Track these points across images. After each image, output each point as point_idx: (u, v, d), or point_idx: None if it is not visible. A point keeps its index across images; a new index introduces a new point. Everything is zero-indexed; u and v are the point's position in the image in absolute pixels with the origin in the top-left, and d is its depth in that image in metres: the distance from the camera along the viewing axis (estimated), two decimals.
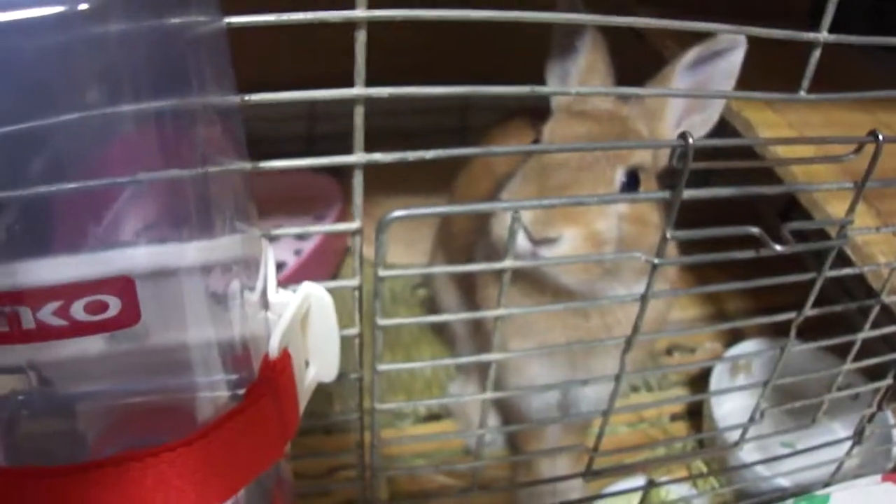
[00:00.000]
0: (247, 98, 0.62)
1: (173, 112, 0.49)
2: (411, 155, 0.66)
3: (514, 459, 1.50)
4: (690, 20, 0.69)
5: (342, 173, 2.01)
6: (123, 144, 0.47)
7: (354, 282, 0.76)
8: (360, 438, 0.92)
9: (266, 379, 0.62)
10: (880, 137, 0.82)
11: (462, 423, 1.55)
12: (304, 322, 0.70)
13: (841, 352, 1.13)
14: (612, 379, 0.96)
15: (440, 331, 1.74)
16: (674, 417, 1.71)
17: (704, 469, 1.56)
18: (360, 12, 0.59)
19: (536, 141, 1.14)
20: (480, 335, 1.38)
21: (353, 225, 0.71)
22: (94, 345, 0.52)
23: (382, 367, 0.83)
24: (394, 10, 0.60)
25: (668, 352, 1.87)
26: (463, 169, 1.57)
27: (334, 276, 1.90)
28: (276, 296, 0.67)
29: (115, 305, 0.50)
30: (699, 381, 1.76)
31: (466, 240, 1.34)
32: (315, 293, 0.69)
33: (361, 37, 0.60)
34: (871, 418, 1.26)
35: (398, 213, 0.70)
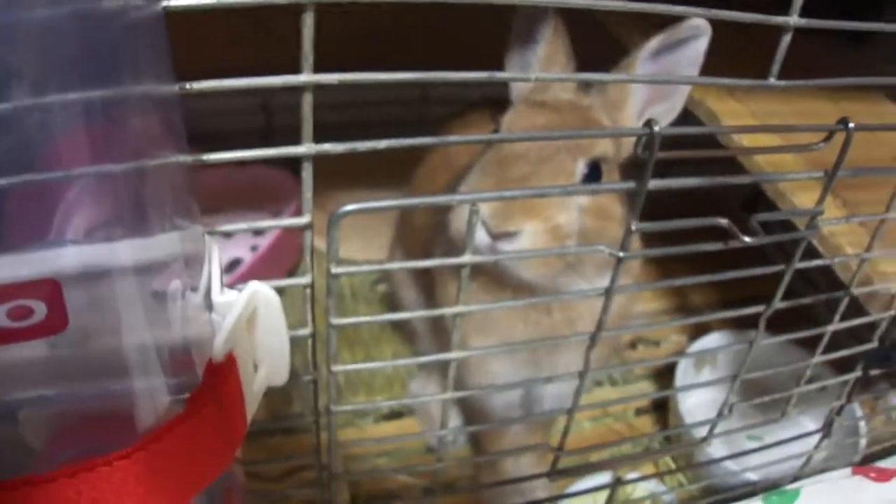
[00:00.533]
0: (188, 86, 0.58)
1: (103, 102, 0.45)
2: (362, 145, 0.62)
3: (476, 459, 1.47)
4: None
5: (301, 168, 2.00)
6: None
7: (305, 279, 0.72)
8: (317, 441, 0.89)
9: (210, 385, 0.58)
10: (850, 125, 0.79)
11: (424, 421, 1.52)
12: (251, 323, 0.66)
13: (807, 344, 1.11)
14: (575, 376, 0.93)
15: (401, 328, 1.72)
16: (639, 412, 1.70)
17: (672, 465, 1.54)
18: None
19: (495, 132, 1.11)
20: (441, 332, 1.35)
21: (303, 220, 0.68)
22: (27, 350, 0.49)
23: (338, 367, 0.79)
24: None
25: (633, 345, 1.85)
26: (421, 162, 1.54)
27: (293, 273, 1.87)
28: (221, 296, 0.63)
29: (40, 310, 0.46)
30: (664, 374, 1.74)
31: (425, 235, 1.31)
32: (262, 292, 0.65)
33: (308, 20, 0.57)
34: (839, 411, 1.24)
35: (350, 207, 0.66)
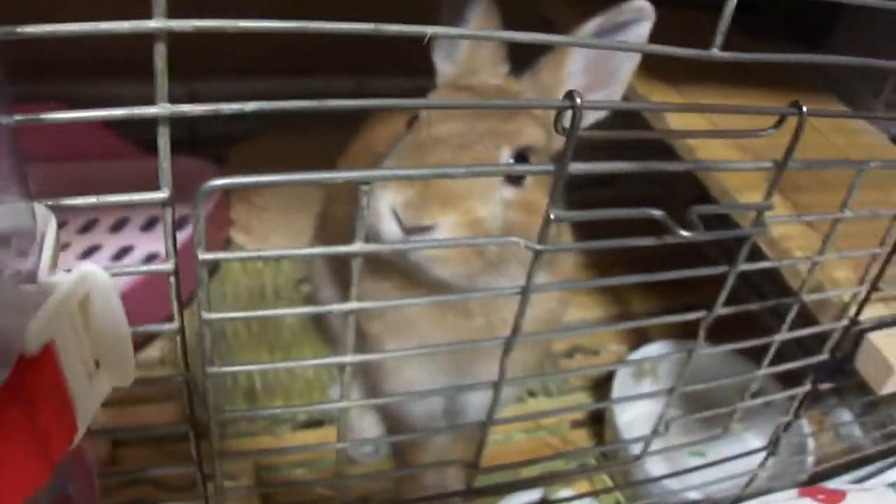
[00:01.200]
0: (18, 30, 0.48)
1: None
2: (226, 107, 0.52)
3: (395, 473, 1.38)
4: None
5: (225, 161, 1.91)
6: None
7: (168, 266, 0.62)
8: (194, 452, 0.79)
9: (17, 382, 0.47)
10: (804, 109, 0.71)
11: (343, 429, 1.42)
12: (85, 312, 0.55)
13: (752, 355, 1.04)
14: (489, 386, 0.84)
15: (321, 329, 1.62)
16: (575, 424, 1.61)
17: (609, 482, 1.45)
18: None
19: (414, 118, 1.01)
20: (359, 336, 1.26)
21: (160, 194, 0.57)
22: None
23: (213, 369, 0.69)
24: None
25: (570, 354, 1.77)
26: (345, 152, 1.44)
27: (215, 271, 1.78)
28: (48, 277, 0.52)
29: None
30: (602, 385, 1.66)
31: (342, 228, 1.22)
32: (94, 274, 0.54)
33: None
34: (786, 427, 1.17)
35: (216, 182, 0.56)
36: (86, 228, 1.75)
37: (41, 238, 0.54)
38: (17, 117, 0.49)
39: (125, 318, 0.56)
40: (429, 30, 0.53)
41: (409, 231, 0.89)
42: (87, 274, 0.53)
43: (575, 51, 1.05)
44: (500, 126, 0.97)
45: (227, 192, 1.82)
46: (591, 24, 0.98)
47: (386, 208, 0.89)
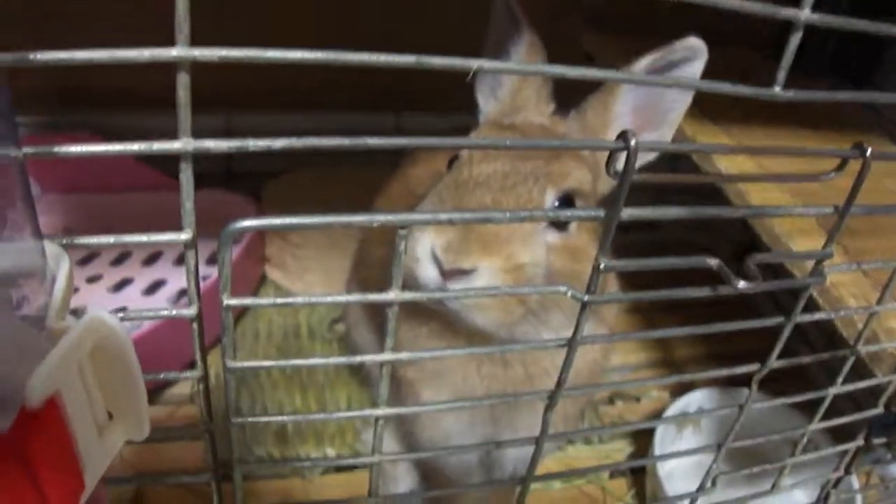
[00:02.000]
0: (31, 57, 0.45)
1: None
2: (252, 144, 0.49)
3: None
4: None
5: (259, 196, 1.88)
6: None
7: (190, 311, 0.58)
8: (216, 502, 0.75)
9: (15, 438, 0.43)
10: (868, 152, 0.67)
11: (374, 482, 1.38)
12: (98, 362, 0.51)
13: (799, 406, 0.99)
14: (532, 441, 0.79)
15: (356, 372, 1.59)
16: (614, 474, 1.55)
17: None
18: None
19: (455, 158, 0.98)
20: (394, 380, 1.22)
21: (182, 235, 0.54)
22: None
23: (237, 420, 0.65)
24: None
25: (610, 400, 1.72)
26: (383, 192, 1.41)
27: (247, 309, 1.74)
28: (56, 323, 0.48)
29: None
30: (643, 432, 1.60)
31: (380, 270, 1.18)
32: (104, 322, 0.49)
33: None
34: (836, 483, 1.11)
35: (245, 223, 0.53)
36: (118, 261, 1.73)
37: (52, 279, 0.50)
38: (27, 150, 0.46)
39: (139, 367, 0.52)
40: (474, 63, 0.50)
41: (448, 274, 0.85)
42: (98, 320, 0.49)
43: (624, 90, 1.01)
44: (545, 167, 0.93)
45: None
46: (643, 62, 0.94)
47: (425, 251, 0.86)
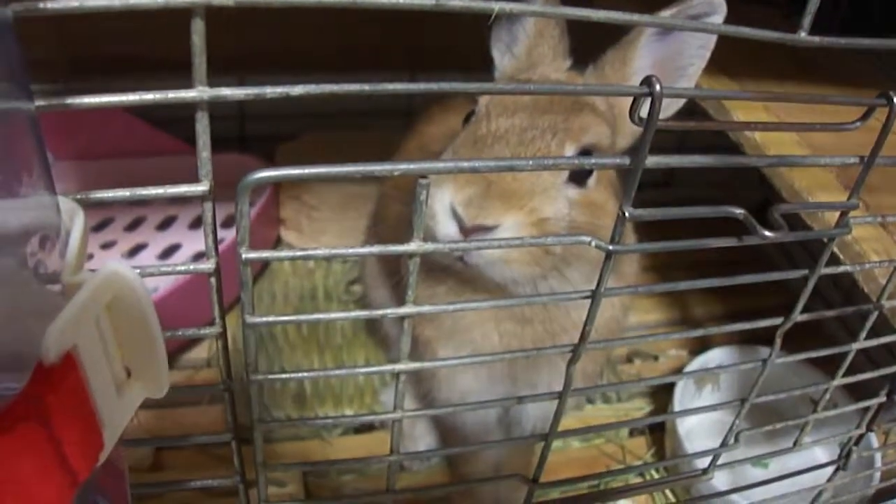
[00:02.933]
0: (41, 5, 0.44)
1: None
2: (270, 91, 0.47)
3: (450, 488, 1.32)
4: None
5: (274, 158, 1.87)
6: None
7: (208, 265, 0.57)
8: (237, 463, 0.74)
9: (32, 395, 0.42)
10: (895, 99, 0.65)
11: (395, 439, 1.38)
12: (115, 316, 0.50)
13: (818, 363, 0.98)
14: (555, 397, 0.78)
15: (374, 332, 1.60)
16: (633, 432, 1.56)
17: (671, 498, 1.39)
18: None
19: (471, 114, 0.96)
20: (412, 340, 1.21)
21: (200, 187, 0.53)
22: None
23: (257, 377, 0.64)
24: None
25: (629, 359, 1.71)
26: (398, 150, 1.40)
27: (263, 270, 1.74)
28: (72, 277, 0.47)
29: None
30: (662, 389, 1.60)
31: (396, 228, 1.17)
32: (122, 275, 0.48)
33: None
34: (857, 440, 1.10)
35: (263, 173, 0.51)
36: (132, 226, 1.73)
37: (66, 235, 0.49)
38: (39, 102, 0.45)
39: (158, 322, 0.51)
40: (495, 5, 0.48)
41: (469, 231, 0.84)
42: (115, 273, 0.47)
43: (643, 45, 0.99)
44: (564, 122, 0.92)
45: (276, 190, 1.80)
46: (663, 14, 0.92)
47: (444, 207, 0.84)
